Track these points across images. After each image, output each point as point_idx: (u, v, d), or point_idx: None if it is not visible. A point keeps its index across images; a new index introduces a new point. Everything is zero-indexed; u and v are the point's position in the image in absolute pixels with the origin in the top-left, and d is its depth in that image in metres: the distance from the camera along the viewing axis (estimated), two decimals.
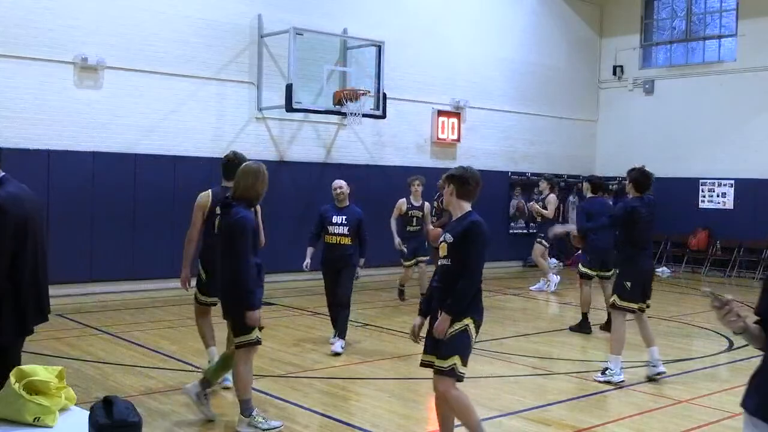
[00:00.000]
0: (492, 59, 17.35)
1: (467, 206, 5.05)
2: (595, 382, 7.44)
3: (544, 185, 13.76)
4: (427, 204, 11.55)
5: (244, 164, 5.84)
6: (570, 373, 7.86)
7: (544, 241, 13.29)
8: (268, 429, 5.62)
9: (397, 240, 11.22)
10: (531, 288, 13.92)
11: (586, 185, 10.62)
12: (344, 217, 8.45)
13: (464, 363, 4.84)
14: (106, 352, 8.37)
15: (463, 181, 5.03)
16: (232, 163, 6.39)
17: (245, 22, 13.55)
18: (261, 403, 6.36)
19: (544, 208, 13.26)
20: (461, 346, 4.83)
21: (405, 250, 11.38)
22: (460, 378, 4.85)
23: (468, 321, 4.85)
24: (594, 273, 9.93)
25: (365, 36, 14.32)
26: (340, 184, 8.60)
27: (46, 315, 4.31)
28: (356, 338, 9.26)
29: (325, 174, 14.27)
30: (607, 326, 9.99)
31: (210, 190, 6.68)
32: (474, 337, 4.92)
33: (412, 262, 11.50)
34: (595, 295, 10.30)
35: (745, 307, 3.06)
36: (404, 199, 11.47)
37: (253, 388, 6.56)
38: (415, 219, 11.44)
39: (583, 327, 10.05)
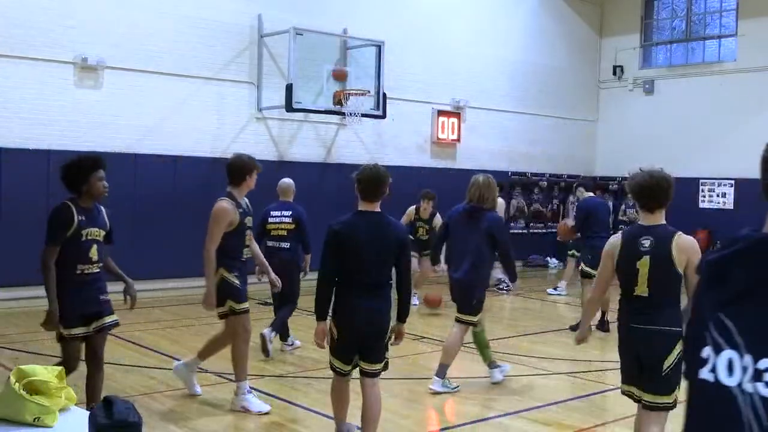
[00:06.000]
0: (492, 59, 17.35)
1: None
2: (590, 381, 7.43)
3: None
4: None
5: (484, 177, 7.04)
6: (570, 373, 7.86)
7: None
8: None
9: None
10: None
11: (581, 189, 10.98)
12: None
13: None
14: (107, 352, 8.30)
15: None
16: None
17: (245, 22, 13.55)
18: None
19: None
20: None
21: None
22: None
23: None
24: (595, 271, 9.93)
25: (365, 36, 14.32)
26: None
27: None
28: None
29: (325, 174, 14.28)
30: (601, 326, 10.00)
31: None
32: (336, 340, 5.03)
33: None
34: None
35: None
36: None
37: (254, 388, 6.57)
38: None
39: None
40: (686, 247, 4.40)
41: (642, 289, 4.42)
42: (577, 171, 19.16)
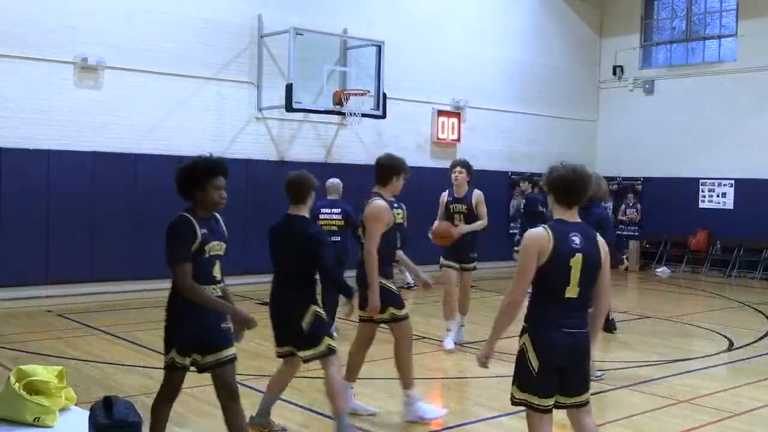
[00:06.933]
0: (492, 59, 17.35)
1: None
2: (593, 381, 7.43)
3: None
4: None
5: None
6: None
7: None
8: None
9: None
10: None
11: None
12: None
13: None
14: (106, 352, 8.37)
15: None
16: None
17: (245, 22, 13.54)
18: (260, 402, 6.35)
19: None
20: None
21: None
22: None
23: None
24: None
25: (365, 36, 14.32)
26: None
27: None
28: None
29: (325, 174, 14.24)
30: (607, 327, 10.01)
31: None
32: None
33: None
34: None
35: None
36: None
37: (253, 388, 6.57)
38: None
39: None
40: (605, 246, 4.20)
41: (573, 291, 4.06)
42: None
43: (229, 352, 4.54)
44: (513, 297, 4.14)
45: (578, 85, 19.36)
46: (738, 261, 17.10)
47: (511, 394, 4.33)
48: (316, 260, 5.44)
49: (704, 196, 17.78)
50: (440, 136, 16.41)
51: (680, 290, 15.12)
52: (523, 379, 4.22)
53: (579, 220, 4.21)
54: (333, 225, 9.29)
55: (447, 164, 16.27)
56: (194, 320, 4.42)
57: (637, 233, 18.73)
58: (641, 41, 19.33)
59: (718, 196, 17.60)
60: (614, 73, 19.38)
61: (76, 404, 3.42)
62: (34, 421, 3.14)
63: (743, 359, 8.72)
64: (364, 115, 13.82)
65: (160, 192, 12.45)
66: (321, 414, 6.22)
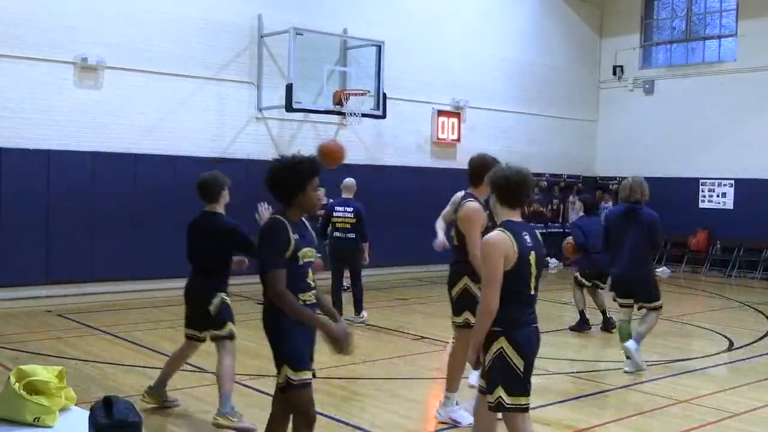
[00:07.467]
0: (492, 59, 17.36)
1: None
2: (594, 381, 7.43)
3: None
4: None
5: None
6: (569, 373, 7.86)
7: None
8: None
9: None
10: None
11: (579, 204, 10.93)
12: None
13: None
14: (106, 352, 8.37)
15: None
16: None
17: (245, 22, 13.55)
18: (261, 402, 6.35)
19: None
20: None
21: None
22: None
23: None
24: (589, 283, 10.09)
25: (365, 36, 14.32)
26: None
27: None
28: (357, 338, 9.27)
29: (325, 174, 14.28)
30: (606, 327, 10.02)
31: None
32: None
33: None
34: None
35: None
36: None
37: (253, 389, 6.57)
38: None
39: (581, 325, 10.09)
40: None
41: (533, 288, 4.14)
42: (577, 171, 19.17)
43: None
44: (488, 309, 4.08)
45: (578, 85, 19.37)
46: (738, 261, 17.11)
47: (498, 403, 4.11)
48: (237, 245, 5.99)
49: (704, 196, 17.78)
50: (440, 136, 16.41)
51: (680, 290, 15.11)
52: (509, 382, 4.09)
53: (521, 220, 4.28)
54: (347, 223, 10.10)
55: (447, 164, 16.38)
56: (304, 333, 4.12)
57: None
58: (641, 41, 19.34)
59: (718, 196, 17.61)
60: (614, 73, 19.38)
61: (76, 404, 3.42)
62: (34, 421, 3.14)
63: (743, 359, 8.72)
64: (364, 115, 13.83)
65: (160, 192, 12.51)
66: (322, 414, 6.22)
